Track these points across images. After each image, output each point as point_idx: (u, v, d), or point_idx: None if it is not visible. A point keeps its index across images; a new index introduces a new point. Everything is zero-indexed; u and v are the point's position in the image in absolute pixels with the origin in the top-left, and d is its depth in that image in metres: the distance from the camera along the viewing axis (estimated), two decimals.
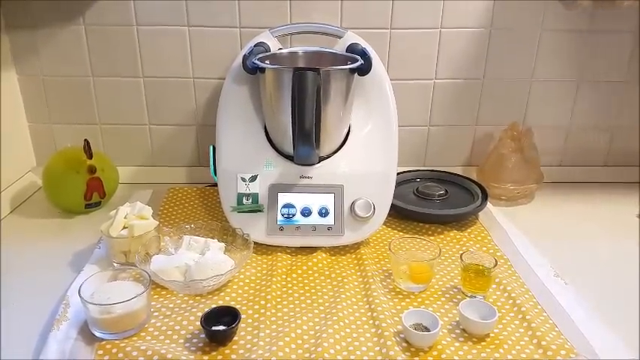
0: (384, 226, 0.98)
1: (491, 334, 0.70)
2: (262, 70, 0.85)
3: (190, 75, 1.11)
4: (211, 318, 0.69)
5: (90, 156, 1.01)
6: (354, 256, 0.89)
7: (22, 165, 1.14)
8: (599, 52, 1.12)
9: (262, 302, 0.76)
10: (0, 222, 1.00)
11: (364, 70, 0.86)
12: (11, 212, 1.04)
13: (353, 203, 0.88)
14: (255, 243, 0.87)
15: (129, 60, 1.09)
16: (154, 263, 0.80)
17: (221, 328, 0.68)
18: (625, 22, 1.10)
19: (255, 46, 0.90)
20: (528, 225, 0.99)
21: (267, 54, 0.90)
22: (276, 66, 0.86)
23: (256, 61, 0.85)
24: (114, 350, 0.65)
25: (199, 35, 1.07)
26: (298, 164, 0.87)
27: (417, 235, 0.94)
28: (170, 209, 1.05)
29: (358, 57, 0.86)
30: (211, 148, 0.93)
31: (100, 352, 0.66)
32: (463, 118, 1.17)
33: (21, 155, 1.14)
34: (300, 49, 0.94)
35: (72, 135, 1.12)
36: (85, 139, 1.00)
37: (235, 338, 0.69)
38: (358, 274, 0.84)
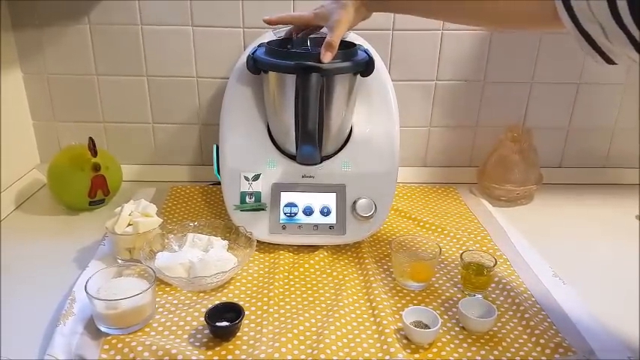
0: (385, 226, 0.98)
1: (490, 332, 0.71)
2: (266, 70, 0.86)
3: (194, 74, 1.12)
4: (215, 314, 0.70)
5: (94, 154, 1.01)
6: (355, 254, 0.90)
7: (26, 162, 1.14)
8: None
9: (265, 299, 0.77)
10: (0, 220, 1.01)
11: (367, 71, 0.87)
12: (16, 209, 1.05)
13: (355, 203, 0.89)
14: (258, 241, 0.88)
15: (133, 59, 1.10)
16: (159, 260, 0.80)
17: (225, 324, 0.69)
18: None
19: (258, 46, 0.90)
20: (528, 225, 1.01)
21: None
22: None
23: None
24: (119, 345, 0.66)
25: (203, 35, 1.08)
26: (301, 164, 0.88)
27: (417, 235, 0.95)
28: (173, 207, 1.06)
29: None
30: (215, 147, 0.94)
31: (106, 346, 0.67)
32: (464, 119, 1.18)
33: (25, 152, 1.15)
34: None
35: (76, 133, 1.13)
36: (90, 137, 1.01)
37: (239, 334, 0.70)
38: (359, 272, 0.85)
